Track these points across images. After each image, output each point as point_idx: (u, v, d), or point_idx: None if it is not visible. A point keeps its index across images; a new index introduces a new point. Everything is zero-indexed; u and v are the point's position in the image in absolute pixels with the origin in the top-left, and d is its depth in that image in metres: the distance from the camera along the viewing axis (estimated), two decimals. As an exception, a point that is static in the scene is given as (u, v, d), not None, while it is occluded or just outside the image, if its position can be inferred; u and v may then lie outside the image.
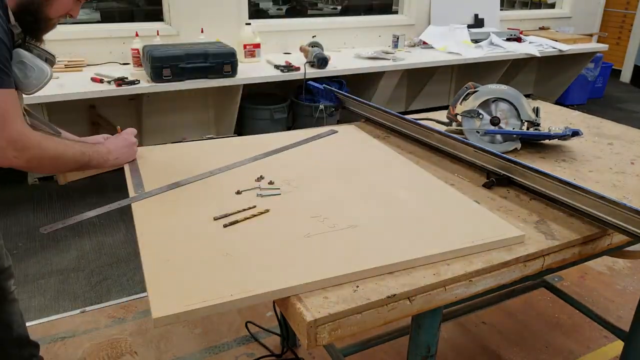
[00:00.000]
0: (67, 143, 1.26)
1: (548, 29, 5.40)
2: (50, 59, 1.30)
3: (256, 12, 4.84)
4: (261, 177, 1.30)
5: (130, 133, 1.45)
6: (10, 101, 1.12)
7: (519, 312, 2.28)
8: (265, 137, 1.65)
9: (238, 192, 1.24)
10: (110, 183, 3.44)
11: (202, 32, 3.59)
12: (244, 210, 1.15)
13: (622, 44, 6.60)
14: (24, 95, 1.26)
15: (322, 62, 3.57)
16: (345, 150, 1.54)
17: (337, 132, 1.58)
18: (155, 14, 3.85)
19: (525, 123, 1.61)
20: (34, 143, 1.15)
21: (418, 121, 1.63)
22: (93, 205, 3.35)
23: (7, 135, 1.10)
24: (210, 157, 1.46)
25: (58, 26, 1.38)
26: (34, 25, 1.23)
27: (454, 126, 1.70)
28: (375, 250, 1.00)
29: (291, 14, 5.62)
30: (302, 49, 3.83)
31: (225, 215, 1.12)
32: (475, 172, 1.43)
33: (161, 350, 2.01)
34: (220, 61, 3.19)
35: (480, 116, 1.61)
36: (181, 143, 1.60)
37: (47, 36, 1.33)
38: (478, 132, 1.60)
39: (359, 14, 5.12)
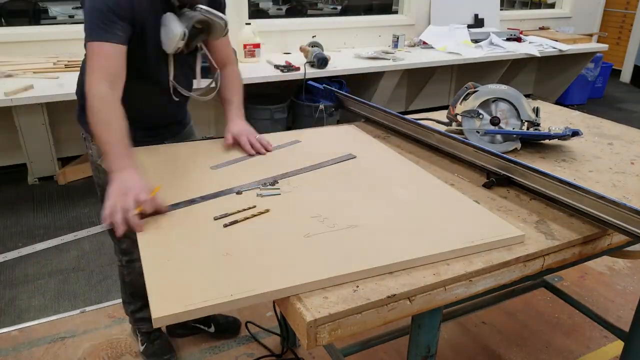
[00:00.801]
0: (111, 124, 1.27)
1: (548, 28, 5.40)
2: (205, 20, 1.42)
3: (256, 12, 4.84)
4: (275, 182, 1.30)
5: (142, 198, 1.12)
6: (97, 54, 1.30)
7: (519, 312, 2.28)
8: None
9: (238, 192, 1.24)
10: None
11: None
12: (244, 210, 1.15)
13: (622, 44, 6.60)
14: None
15: (322, 62, 3.57)
16: (345, 150, 1.54)
17: (355, 157, 1.47)
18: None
19: (525, 123, 1.61)
20: (89, 94, 1.28)
21: (418, 121, 1.63)
22: (93, 205, 3.37)
23: (86, 81, 1.30)
24: (210, 157, 1.46)
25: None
26: None
27: (454, 126, 1.70)
28: (375, 250, 1.00)
29: (291, 14, 5.62)
30: (302, 49, 3.83)
31: (225, 215, 1.13)
32: (475, 172, 1.44)
33: (161, 350, 2.01)
34: (220, 61, 3.18)
35: (480, 116, 1.62)
36: (182, 143, 1.60)
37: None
38: (478, 132, 1.60)
39: (359, 14, 5.12)
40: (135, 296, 1.86)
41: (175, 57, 1.48)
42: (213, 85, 1.61)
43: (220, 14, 1.44)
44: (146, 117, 1.56)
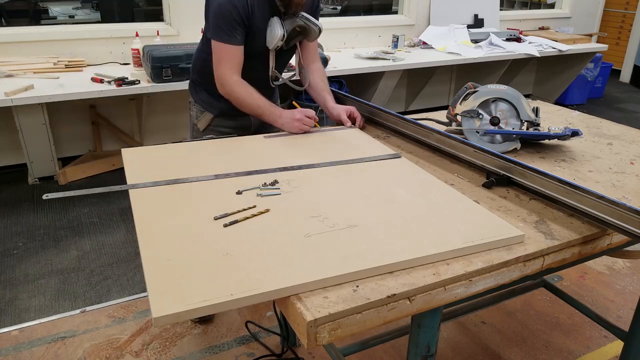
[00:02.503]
0: (252, 95, 1.70)
1: (548, 29, 5.41)
2: (304, 26, 1.71)
3: (256, 12, 4.83)
4: (275, 182, 1.30)
5: (303, 112, 1.69)
6: (224, 52, 1.67)
7: (518, 311, 2.28)
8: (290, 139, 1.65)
9: (238, 192, 1.24)
10: (110, 183, 3.44)
11: (202, 32, 3.59)
12: (244, 210, 1.15)
13: (622, 44, 6.61)
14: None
15: (322, 62, 3.57)
16: (346, 150, 1.54)
17: (400, 156, 1.52)
18: (155, 14, 3.85)
19: (525, 123, 1.61)
20: (228, 84, 1.69)
21: (418, 121, 1.64)
22: (93, 205, 3.37)
23: (216, 74, 1.71)
24: (210, 157, 1.46)
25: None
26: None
27: (453, 126, 1.70)
28: (375, 250, 1.00)
29: (291, 14, 5.61)
30: (302, 49, 3.83)
31: (226, 215, 1.13)
32: (475, 172, 1.44)
33: (161, 350, 2.01)
34: (221, 61, 3.19)
35: (480, 116, 1.62)
36: (181, 143, 1.60)
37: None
38: (478, 132, 1.61)
39: (359, 14, 5.12)
40: None
41: (276, 53, 1.76)
42: (297, 77, 1.92)
43: (316, 22, 1.74)
44: None
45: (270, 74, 1.80)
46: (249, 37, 1.68)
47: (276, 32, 1.66)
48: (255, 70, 1.77)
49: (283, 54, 1.83)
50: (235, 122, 1.87)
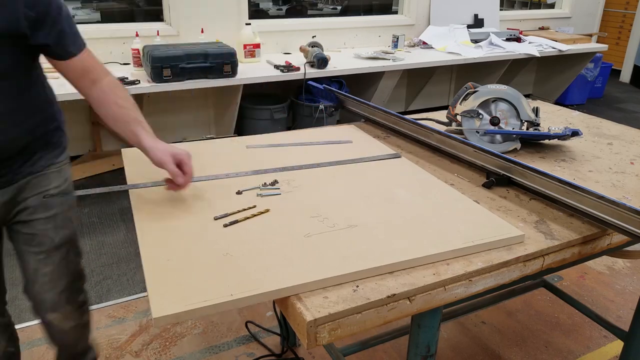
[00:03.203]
0: (122, 103, 1.32)
1: (548, 29, 5.41)
2: None
3: (256, 12, 4.84)
4: (275, 182, 1.30)
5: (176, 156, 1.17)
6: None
7: (518, 311, 2.28)
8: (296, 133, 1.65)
9: (238, 192, 1.24)
10: (110, 183, 3.44)
11: (202, 32, 3.59)
12: (244, 210, 1.15)
13: (622, 44, 6.61)
14: None
15: (322, 62, 3.58)
16: (345, 150, 1.54)
17: (400, 156, 1.51)
18: (155, 14, 3.85)
19: (525, 123, 1.61)
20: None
21: (418, 121, 1.64)
22: (93, 205, 3.35)
23: (108, 76, 1.34)
24: (210, 157, 1.46)
25: None
26: None
27: (453, 126, 1.70)
28: (375, 250, 1.00)
29: (291, 14, 5.62)
30: (302, 49, 3.83)
31: (226, 215, 1.13)
32: (475, 172, 1.44)
33: (161, 350, 2.01)
34: (220, 61, 3.19)
35: (480, 116, 1.62)
36: (181, 143, 1.60)
37: None
38: (478, 132, 1.61)
39: (359, 14, 5.12)
40: None
41: None
42: None
43: None
44: None
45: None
46: None
47: None
48: None
49: None
50: None
